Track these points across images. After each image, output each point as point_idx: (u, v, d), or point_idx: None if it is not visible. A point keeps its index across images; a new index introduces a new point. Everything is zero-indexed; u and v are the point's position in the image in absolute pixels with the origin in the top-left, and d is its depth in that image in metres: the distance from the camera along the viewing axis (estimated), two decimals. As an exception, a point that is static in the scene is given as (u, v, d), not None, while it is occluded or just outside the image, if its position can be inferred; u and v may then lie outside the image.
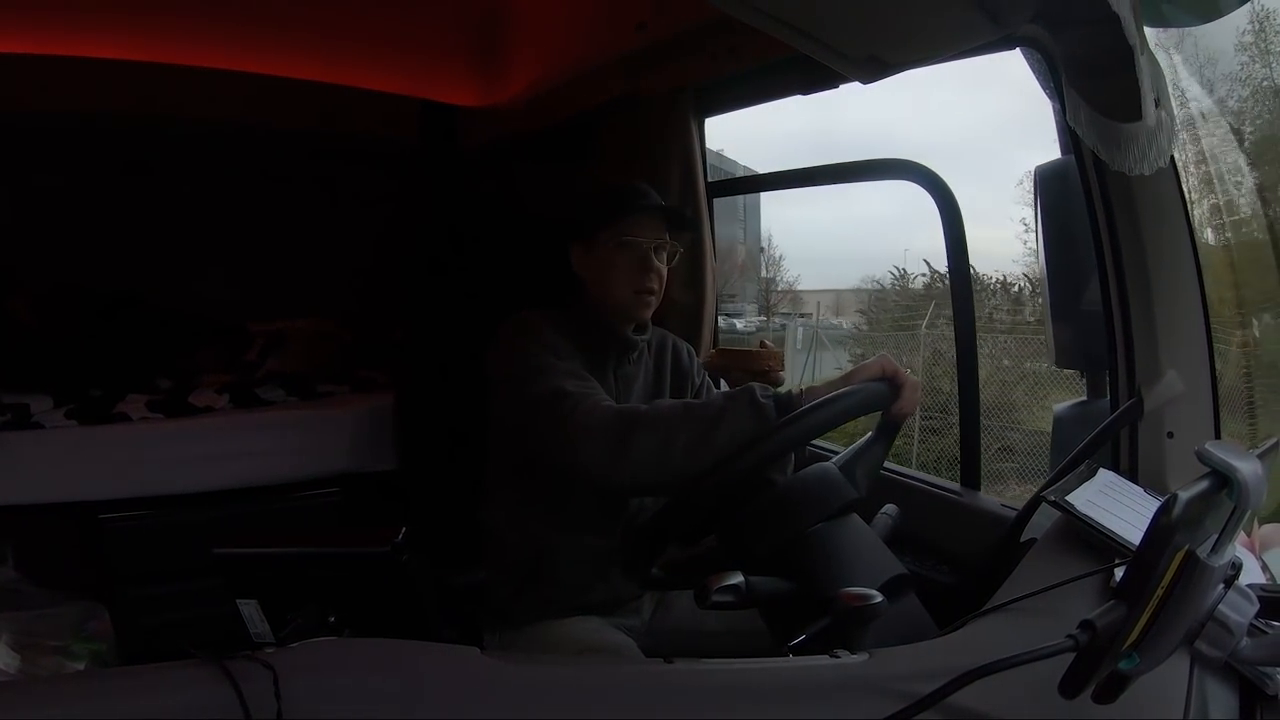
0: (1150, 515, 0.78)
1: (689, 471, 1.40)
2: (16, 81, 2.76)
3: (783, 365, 1.72)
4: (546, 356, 1.67)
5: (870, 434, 1.57)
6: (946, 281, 2.07)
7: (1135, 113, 1.16)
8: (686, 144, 2.43)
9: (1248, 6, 1.31)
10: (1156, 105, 1.19)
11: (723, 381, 1.92)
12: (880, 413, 1.55)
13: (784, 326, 14.52)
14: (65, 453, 2.40)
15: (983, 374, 2.14)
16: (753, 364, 1.68)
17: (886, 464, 1.83)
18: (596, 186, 1.90)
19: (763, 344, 1.73)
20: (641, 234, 1.78)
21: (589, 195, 1.88)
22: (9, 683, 1.58)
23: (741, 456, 1.35)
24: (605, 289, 1.80)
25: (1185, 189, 1.48)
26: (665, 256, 1.82)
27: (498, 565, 1.83)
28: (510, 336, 1.74)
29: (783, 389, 1.56)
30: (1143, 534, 0.78)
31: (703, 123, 2.51)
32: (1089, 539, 1.28)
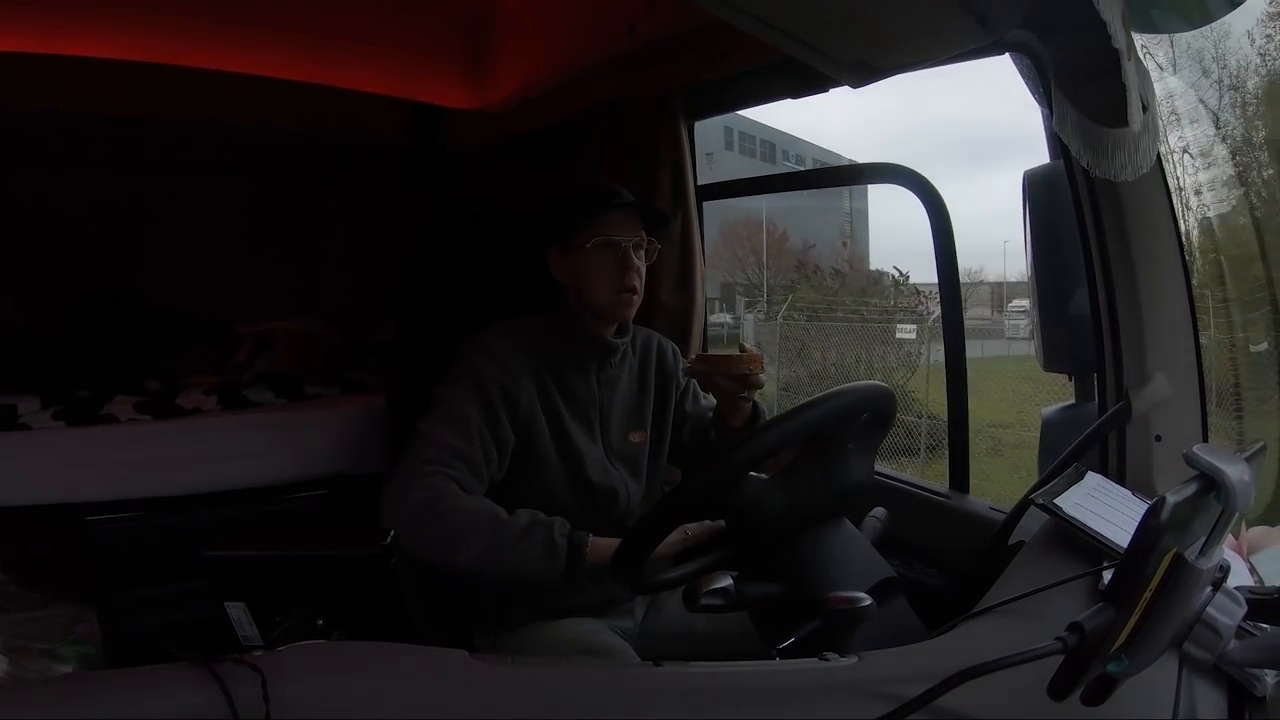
0: (1138, 518, 0.78)
1: (463, 572, 1.54)
2: (3, 81, 2.75)
3: (763, 368, 1.71)
4: (464, 401, 1.70)
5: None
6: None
7: (1122, 118, 1.17)
8: (677, 147, 2.44)
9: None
10: (1144, 110, 1.19)
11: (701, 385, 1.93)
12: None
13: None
14: (52, 454, 2.38)
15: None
16: (734, 368, 1.68)
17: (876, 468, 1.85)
18: (568, 186, 1.89)
19: (742, 347, 1.73)
20: (618, 232, 1.77)
21: (562, 197, 1.88)
22: (-5, 686, 1.57)
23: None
24: (585, 291, 1.80)
25: (1175, 197, 1.49)
26: (644, 254, 1.82)
27: None
28: (458, 358, 1.78)
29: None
30: (1131, 537, 0.78)
31: (693, 126, 2.51)
32: (1077, 542, 1.28)
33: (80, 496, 2.39)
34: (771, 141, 29.67)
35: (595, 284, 1.79)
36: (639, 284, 1.80)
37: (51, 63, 2.77)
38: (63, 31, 2.78)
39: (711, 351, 1.84)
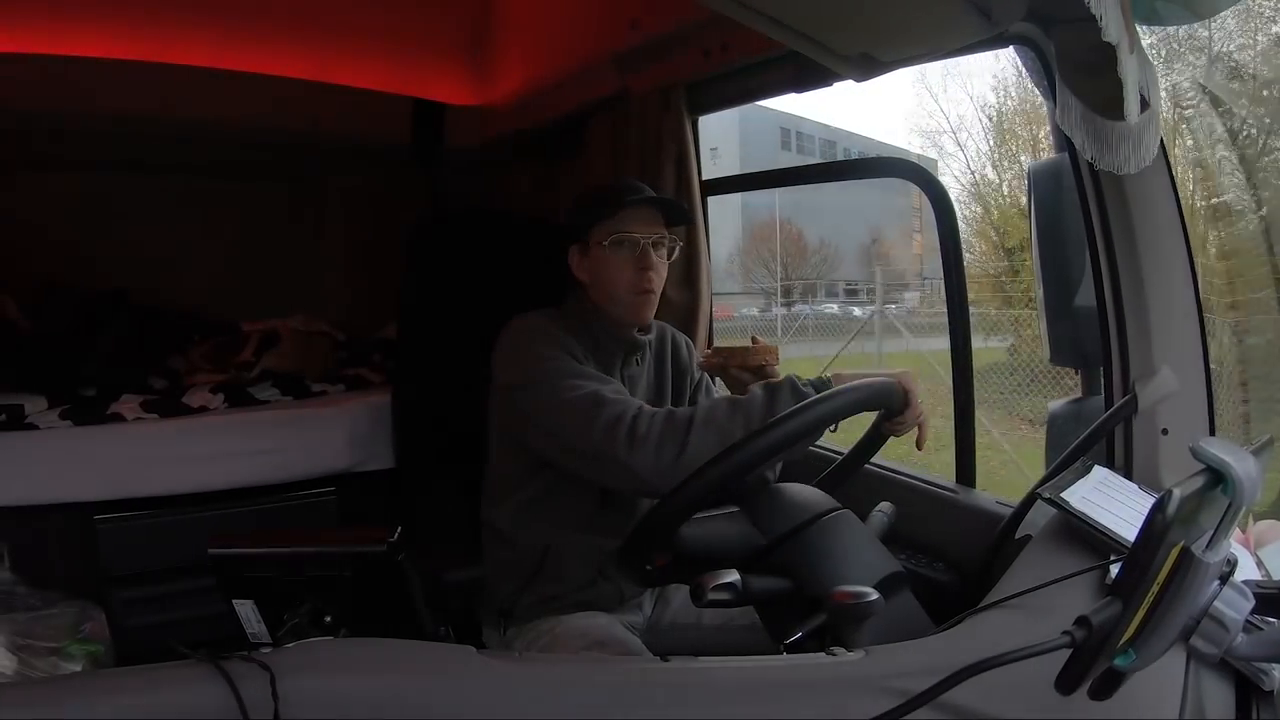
0: (1145, 512, 0.78)
1: (748, 468, 1.36)
2: (3, 81, 2.76)
3: (778, 359, 1.71)
4: (568, 361, 1.66)
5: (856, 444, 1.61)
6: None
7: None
8: (680, 141, 2.43)
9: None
10: (1145, 105, 1.19)
11: (718, 380, 1.92)
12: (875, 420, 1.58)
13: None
14: (60, 454, 2.40)
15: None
16: (750, 359, 1.68)
17: (882, 463, 1.85)
18: (587, 187, 1.88)
19: (755, 339, 1.73)
20: (636, 229, 1.76)
21: (581, 195, 1.87)
22: (5, 685, 1.57)
23: (759, 440, 1.32)
24: (605, 291, 1.78)
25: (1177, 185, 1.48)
26: (664, 252, 1.81)
27: (501, 563, 1.83)
28: (520, 341, 1.73)
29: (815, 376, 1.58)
30: (1138, 531, 0.78)
31: (696, 120, 2.50)
32: (1084, 536, 1.28)
33: (87, 495, 2.41)
34: (832, 140, 29.48)
35: (614, 283, 1.77)
36: (657, 282, 1.79)
37: (51, 62, 2.78)
38: (64, 31, 2.79)
39: (727, 344, 1.83)
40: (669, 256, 1.83)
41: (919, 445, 1.60)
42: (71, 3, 2.84)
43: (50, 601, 2.15)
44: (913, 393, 1.54)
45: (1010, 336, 10.46)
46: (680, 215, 1.86)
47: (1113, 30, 1.03)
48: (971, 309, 2.09)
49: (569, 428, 1.59)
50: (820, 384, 1.52)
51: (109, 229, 3.17)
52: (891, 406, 1.52)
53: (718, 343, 2.44)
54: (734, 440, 1.36)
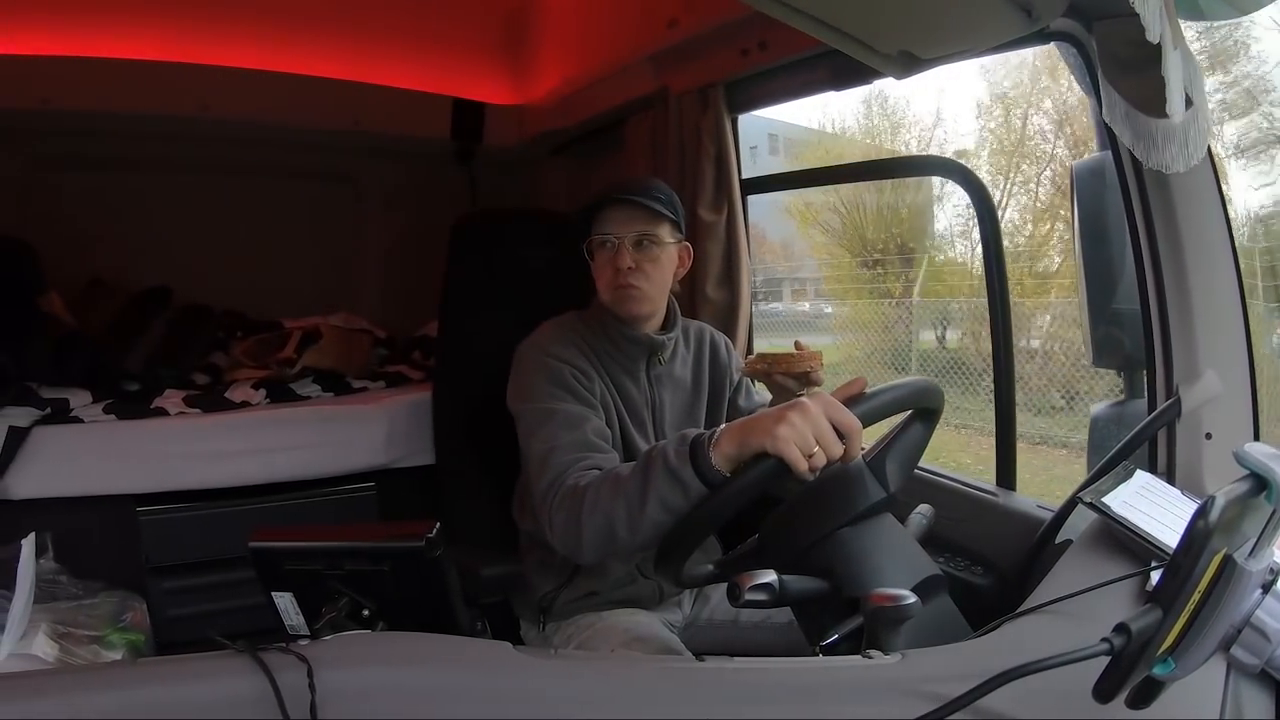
0: (1187, 518, 0.77)
1: (638, 546, 1.42)
2: (50, 81, 2.81)
3: (822, 364, 1.69)
4: (548, 396, 1.67)
5: (901, 424, 1.50)
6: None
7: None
8: (720, 140, 2.42)
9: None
10: (1188, 103, 1.17)
11: (760, 385, 1.90)
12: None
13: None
14: (103, 447, 2.44)
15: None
16: (795, 365, 1.65)
17: (922, 464, 1.82)
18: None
19: (798, 345, 1.71)
20: (610, 228, 1.76)
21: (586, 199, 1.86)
22: (46, 671, 1.60)
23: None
24: (600, 290, 1.80)
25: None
26: (651, 249, 1.76)
27: (539, 561, 1.84)
28: (521, 364, 1.76)
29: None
30: (1180, 537, 0.77)
31: (735, 119, 2.49)
32: (1125, 541, 1.26)
33: (130, 488, 2.45)
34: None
35: (599, 282, 1.79)
36: (635, 279, 1.74)
37: (96, 64, 2.84)
38: (107, 33, 2.85)
39: (771, 350, 1.80)
40: (658, 253, 1.77)
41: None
42: (114, 5, 2.89)
43: (92, 591, 2.18)
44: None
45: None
46: (657, 212, 1.77)
47: (1154, 26, 1.02)
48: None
49: (530, 472, 1.64)
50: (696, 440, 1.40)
51: (152, 228, 3.22)
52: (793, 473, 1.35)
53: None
54: (620, 521, 1.40)
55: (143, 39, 2.93)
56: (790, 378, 1.67)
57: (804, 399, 1.31)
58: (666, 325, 1.85)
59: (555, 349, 1.73)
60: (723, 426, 1.38)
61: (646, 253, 1.76)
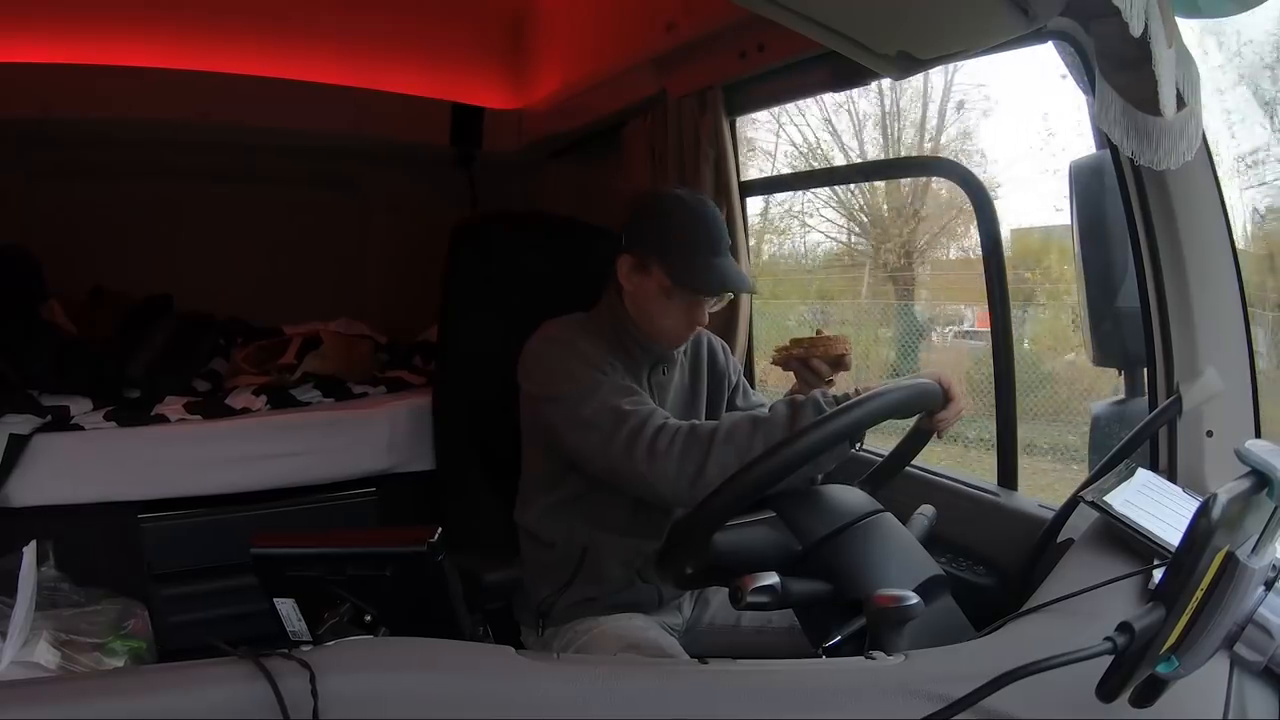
0: (1189, 516, 0.77)
1: (767, 485, 1.35)
2: (51, 89, 2.81)
3: (850, 349, 1.72)
4: (591, 372, 1.66)
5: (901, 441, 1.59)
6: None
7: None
8: (718, 143, 2.42)
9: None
10: (1181, 101, 1.17)
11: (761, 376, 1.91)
12: (917, 419, 1.56)
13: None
14: (105, 454, 2.43)
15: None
16: (833, 348, 1.68)
17: (924, 465, 1.83)
18: (657, 205, 1.82)
19: (819, 331, 1.73)
20: (713, 291, 1.75)
21: (647, 208, 1.82)
22: (49, 679, 1.59)
23: (785, 450, 1.30)
24: (649, 314, 1.76)
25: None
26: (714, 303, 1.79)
27: (539, 564, 1.84)
28: (545, 350, 1.74)
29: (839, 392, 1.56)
30: (1182, 535, 0.77)
31: (734, 122, 2.49)
32: (1127, 540, 1.26)
33: (132, 495, 2.45)
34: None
35: (663, 315, 1.75)
36: (705, 323, 1.80)
37: (93, 71, 2.84)
38: (109, 41, 2.84)
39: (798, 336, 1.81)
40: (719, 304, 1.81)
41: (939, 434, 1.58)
42: (115, 13, 2.90)
43: (94, 598, 2.18)
44: (952, 387, 1.51)
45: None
46: (745, 290, 1.86)
47: (1139, 22, 1.02)
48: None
49: (592, 442, 1.62)
50: (843, 399, 1.48)
51: (153, 235, 3.22)
52: (929, 407, 1.51)
53: None
54: (754, 457, 1.35)
55: (144, 46, 2.93)
56: (826, 360, 1.69)
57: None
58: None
59: (581, 342, 1.73)
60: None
61: (712, 305, 1.78)
